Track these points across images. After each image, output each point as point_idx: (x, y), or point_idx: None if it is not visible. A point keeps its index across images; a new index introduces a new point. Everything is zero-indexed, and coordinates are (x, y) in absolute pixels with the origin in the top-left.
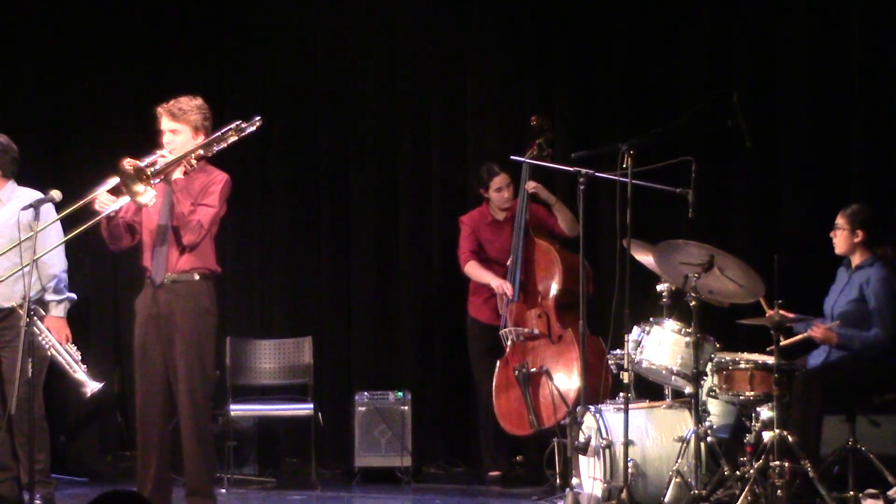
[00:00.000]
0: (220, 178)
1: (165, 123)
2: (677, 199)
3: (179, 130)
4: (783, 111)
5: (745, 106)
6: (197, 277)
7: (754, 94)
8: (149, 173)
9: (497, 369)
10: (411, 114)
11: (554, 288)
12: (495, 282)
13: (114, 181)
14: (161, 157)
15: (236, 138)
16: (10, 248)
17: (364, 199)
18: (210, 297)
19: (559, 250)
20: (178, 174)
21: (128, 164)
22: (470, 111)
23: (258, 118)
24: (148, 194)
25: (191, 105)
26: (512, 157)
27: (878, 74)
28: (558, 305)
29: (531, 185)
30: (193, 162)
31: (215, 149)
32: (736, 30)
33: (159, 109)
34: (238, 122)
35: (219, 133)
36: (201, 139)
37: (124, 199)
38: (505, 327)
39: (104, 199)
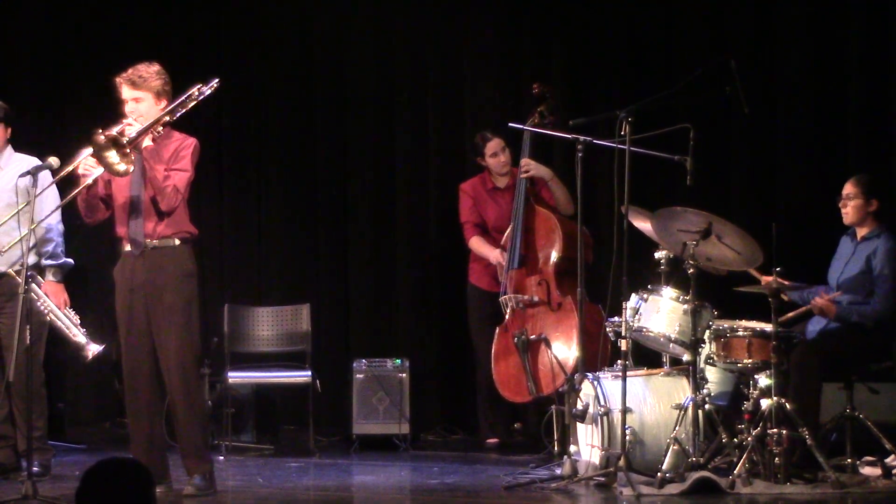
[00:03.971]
0: (189, 143)
1: (126, 93)
2: (675, 167)
3: (142, 98)
4: (781, 78)
5: (744, 73)
6: (178, 242)
7: (752, 60)
8: (123, 142)
9: (496, 336)
10: (408, 81)
11: (554, 255)
12: (493, 255)
13: (87, 153)
14: (128, 126)
15: (196, 102)
16: (10, 217)
17: (361, 166)
18: (191, 261)
19: (560, 218)
20: (147, 142)
21: (101, 135)
22: (467, 78)
23: (216, 80)
24: (124, 164)
25: (150, 71)
26: (511, 125)
27: (876, 41)
28: (558, 273)
29: (523, 165)
30: (160, 128)
31: (178, 114)
32: None
33: (118, 80)
34: (198, 86)
35: (181, 98)
36: (164, 104)
37: (100, 170)
38: (505, 294)
39: (89, 163)
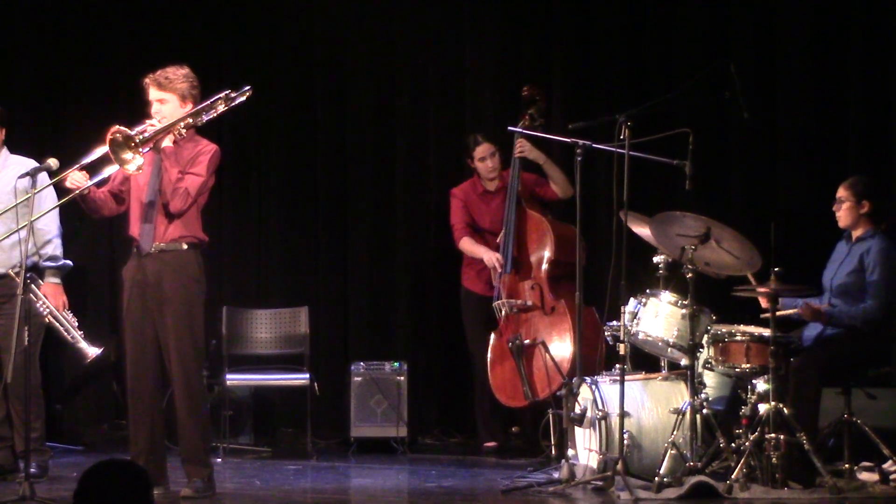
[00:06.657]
0: (209, 149)
1: (153, 94)
2: (674, 171)
3: (167, 100)
4: (781, 82)
5: (743, 77)
6: (185, 247)
7: (752, 65)
8: (137, 141)
9: (491, 342)
10: (409, 84)
11: (546, 259)
12: (487, 255)
13: (103, 149)
14: (150, 126)
15: (225, 108)
16: (6, 210)
17: (361, 169)
18: (198, 266)
19: (551, 221)
20: (167, 142)
21: (116, 132)
22: (467, 81)
23: (248, 88)
24: (135, 162)
25: (177, 74)
26: (509, 128)
27: (875, 45)
28: (551, 277)
29: (518, 147)
30: (183, 131)
31: (205, 118)
32: (734, 0)
33: (146, 80)
34: (227, 92)
35: (208, 102)
36: (190, 108)
37: (98, 178)
38: (498, 299)
39: (76, 178)
